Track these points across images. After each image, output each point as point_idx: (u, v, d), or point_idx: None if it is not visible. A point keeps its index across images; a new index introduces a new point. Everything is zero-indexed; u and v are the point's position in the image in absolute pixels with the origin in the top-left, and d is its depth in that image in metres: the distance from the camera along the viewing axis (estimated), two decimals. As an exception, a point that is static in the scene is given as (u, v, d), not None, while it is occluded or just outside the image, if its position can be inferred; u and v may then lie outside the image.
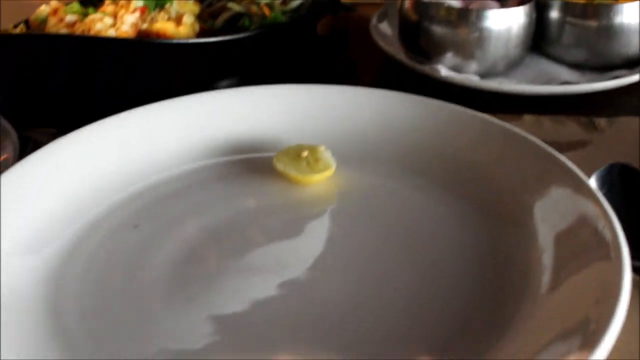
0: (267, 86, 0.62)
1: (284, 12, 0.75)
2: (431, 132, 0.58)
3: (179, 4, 0.76)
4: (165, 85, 0.69)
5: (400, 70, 0.74)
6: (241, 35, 0.70)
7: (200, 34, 0.74)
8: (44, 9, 0.74)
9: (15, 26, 0.73)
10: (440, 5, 0.69)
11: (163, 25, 0.71)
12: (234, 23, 0.77)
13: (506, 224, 0.49)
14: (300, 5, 0.77)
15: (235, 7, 0.77)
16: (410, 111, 0.59)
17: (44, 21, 0.73)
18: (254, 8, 0.76)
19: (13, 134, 0.57)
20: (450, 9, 0.69)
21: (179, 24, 0.73)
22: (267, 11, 0.74)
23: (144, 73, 0.68)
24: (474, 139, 0.56)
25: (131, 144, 0.57)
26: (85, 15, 0.72)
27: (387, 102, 0.60)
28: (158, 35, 0.70)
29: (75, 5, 0.74)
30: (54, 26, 0.71)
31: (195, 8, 0.78)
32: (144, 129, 0.58)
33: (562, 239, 0.45)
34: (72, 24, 0.70)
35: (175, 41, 0.67)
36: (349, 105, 0.61)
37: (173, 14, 0.74)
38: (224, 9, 0.78)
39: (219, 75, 0.72)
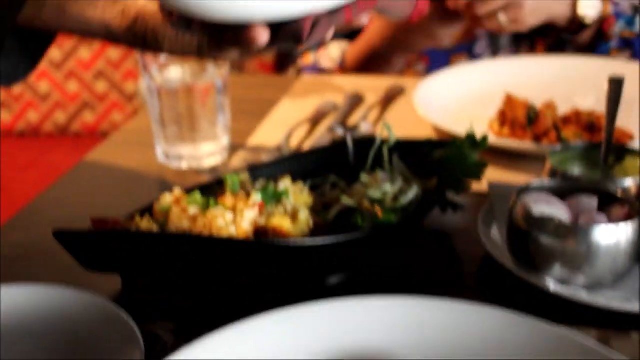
0: (377, 299, 0.64)
1: (394, 209, 0.78)
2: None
3: (295, 196, 0.80)
4: (278, 282, 0.73)
5: (506, 273, 0.75)
6: (352, 237, 0.73)
7: (313, 229, 0.77)
8: (167, 198, 0.78)
9: (141, 214, 0.77)
10: (550, 219, 0.71)
11: (280, 221, 0.74)
12: (345, 214, 0.80)
13: None
14: (410, 202, 0.79)
15: (348, 202, 0.80)
16: (521, 334, 0.60)
17: (167, 210, 0.76)
18: (365, 203, 0.79)
19: (139, 338, 0.60)
20: (560, 223, 0.71)
21: (294, 219, 0.76)
22: (379, 212, 0.76)
23: (259, 272, 0.72)
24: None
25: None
26: (207, 206, 0.76)
27: (493, 322, 0.61)
28: (274, 232, 0.73)
29: (197, 196, 0.78)
30: (177, 217, 0.75)
31: (309, 200, 0.81)
32: (261, 342, 0.60)
33: None
34: (194, 217, 0.74)
35: (292, 243, 0.71)
36: (458, 323, 0.62)
37: (289, 207, 0.78)
38: (337, 200, 0.81)
39: (329, 272, 0.76)
